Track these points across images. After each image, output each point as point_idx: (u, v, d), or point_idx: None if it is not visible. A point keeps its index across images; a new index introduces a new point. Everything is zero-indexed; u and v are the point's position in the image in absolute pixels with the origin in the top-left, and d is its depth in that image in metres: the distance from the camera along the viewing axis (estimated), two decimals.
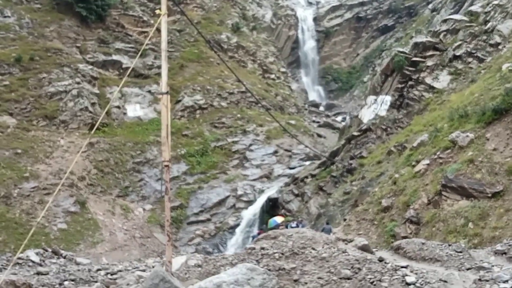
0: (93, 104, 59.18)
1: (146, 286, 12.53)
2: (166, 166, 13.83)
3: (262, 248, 16.57)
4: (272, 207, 51.59)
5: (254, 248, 16.85)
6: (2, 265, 17.13)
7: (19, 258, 17.31)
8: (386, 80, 49.70)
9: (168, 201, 13.94)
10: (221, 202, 54.58)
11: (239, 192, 55.10)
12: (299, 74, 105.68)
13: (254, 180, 57.16)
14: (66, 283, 15.53)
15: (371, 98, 51.83)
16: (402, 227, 27.86)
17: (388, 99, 48.15)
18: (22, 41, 61.13)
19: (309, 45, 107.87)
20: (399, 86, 47.35)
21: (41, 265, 17.54)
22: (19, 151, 50.37)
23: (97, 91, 61.20)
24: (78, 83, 59.18)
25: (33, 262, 17.58)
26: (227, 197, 55.02)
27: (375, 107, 49.53)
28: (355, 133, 49.67)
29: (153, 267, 17.17)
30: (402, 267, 14.48)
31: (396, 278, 13.49)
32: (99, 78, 62.90)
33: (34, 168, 49.58)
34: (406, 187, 30.26)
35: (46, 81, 58.18)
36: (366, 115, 51.00)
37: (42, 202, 46.40)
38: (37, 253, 18.48)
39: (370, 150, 46.26)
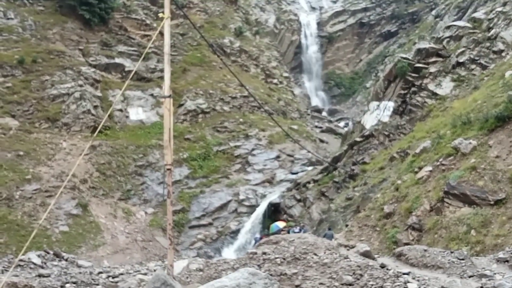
0: (95, 107, 59.20)
1: None
2: (168, 169, 13.82)
3: (264, 253, 16.55)
4: (274, 212, 51.61)
5: (255, 253, 16.82)
6: (3, 267, 17.08)
7: (20, 260, 17.28)
8: (389, 86, 49.66)
9: (170, 204, 13.93)
10: (223, 207, 54.53)
11: (241, 197, 55.03)
12: (302, 79, 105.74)
13: (256, 184, 57.11)
14: (67, 285, 15.49)
15: (373, 104, 51.80)
16: (404, 233, 27.82)
17: (390, 105, 48.09)
18: (25, 43, 61.19)
19: (312, 50, 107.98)
20: (402, 92, 47.30)
21: (42, 268, 17.49)
22: (21, 153, 50.38)
23: (100, 94, 61.23)
24: (80, 85, 59.22)
25: (34, 264, 17.54)
26: (229, 201, 54.96)
27: (377, 113, 49.50)
28: (358, 139, 49.62)
29: (154, 270, 17.12)
30: (404, 273, 14.46)
31: (398, 285, 13.47)
32: (101, 81, 62.92)
33: (36, 170, 49.58)
34: (408, 193, 30.22)
35: (48, 83, 58.20)
36: (369, 121, 50.96)
37: (44, 204, 46.41)
38: (38, 255, 18.42)
39: (372, 156, 46.20)
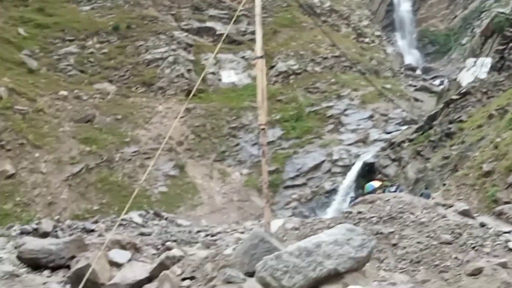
0: (189, 70, 60.13)
1: (246, 246, 12.77)
2: (262, 129, 13.94)
3: (359, 212, 16.47)
4: (368, 172, 51.08)
5: (351, 212, 16.77)
6: (107, 226, 17.81)
7: (123, 219, 17.94)
8: (486, 42, 48.06)
9: (266, 163, 14.07)
10: (316, 167, 54.40)
11: (335, 157, 54.69)
12: (394, 38, 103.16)
13: (349, 144, 56.57)
14: (168, 243, 16.01)
15: (470, 60, 50.26)
16: (504, 192, 27.03)
17: (488, 61, 46.56)
18: (118, 9, 62.71)
19: (404, 7, 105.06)
20: (500, 48, 45.67)
21: (144, 226, 18.14)
22: (119, 117, 52.00)
23: (193, 58, 62.08)
24: (174, 50, 60.23)
25: (136, 223, 18.18)
26: (323, 161, 54.74)
27: (474, 70, 48.02)
28: (454, 97, 48.27)
29: (251, 229, 17.41)
30: (505, 232, 14.11)
31: (499, 244, 13.18)
32: (194, 45, 63.73)
33: (134, 133, 51.14)
34: (508, 151, 29.25)
35: (143, 48, 59.56)
36: (465, 78, 49.52)
37: (143, 166, 47.85)
38: (140, 215, 19.12)
39: (469, 114, 44.89)
